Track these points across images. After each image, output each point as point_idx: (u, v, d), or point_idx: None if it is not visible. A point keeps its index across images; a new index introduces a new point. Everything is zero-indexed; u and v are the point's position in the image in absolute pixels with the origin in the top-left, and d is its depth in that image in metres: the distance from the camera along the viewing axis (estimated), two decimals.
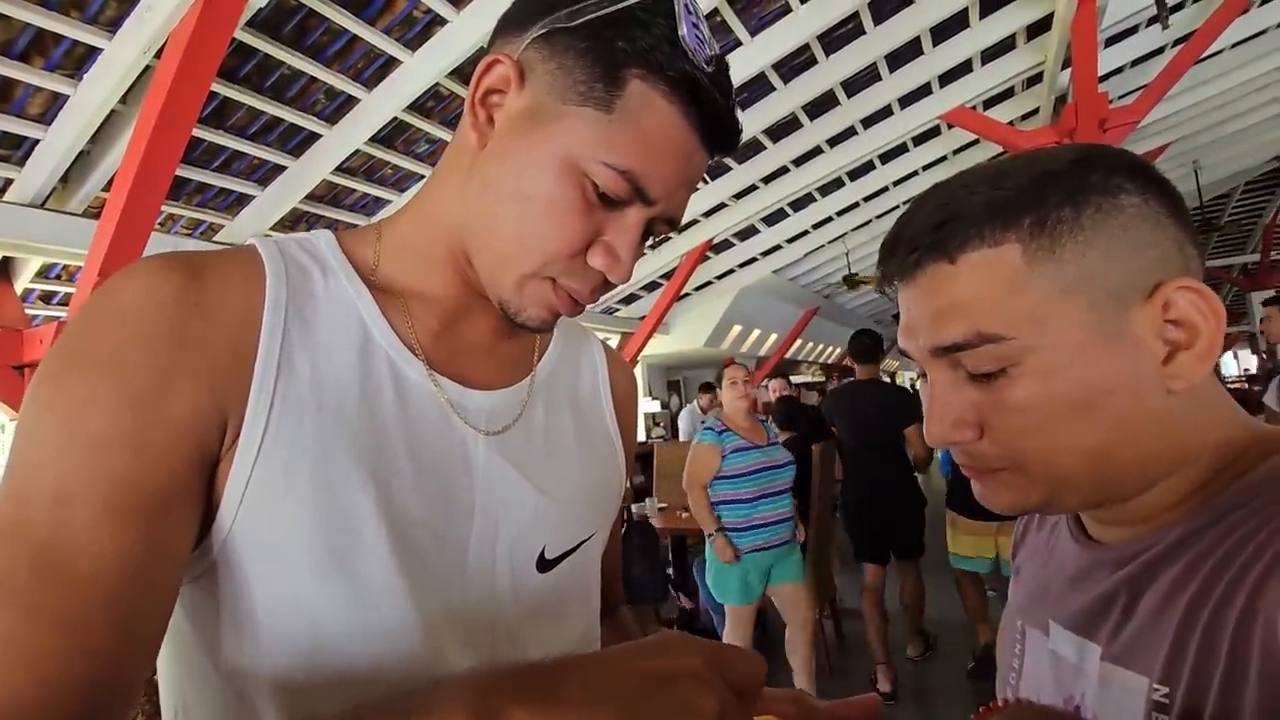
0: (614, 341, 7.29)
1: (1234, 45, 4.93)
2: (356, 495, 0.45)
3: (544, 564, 0.54)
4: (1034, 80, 4.89)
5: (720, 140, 0.50)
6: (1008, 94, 5.11)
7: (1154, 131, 5.84)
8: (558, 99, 0.47)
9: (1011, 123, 5.07)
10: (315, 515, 0.44)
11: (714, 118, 0.48)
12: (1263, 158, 7.94)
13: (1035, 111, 5.17)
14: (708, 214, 5.67)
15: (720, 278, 7.26)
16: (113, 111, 2.54)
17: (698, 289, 7.35)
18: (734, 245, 6.71)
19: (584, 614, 0.59)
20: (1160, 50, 4.87)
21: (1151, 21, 4.42)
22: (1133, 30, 4.62)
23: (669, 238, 5.64)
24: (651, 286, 6.90)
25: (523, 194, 0.47)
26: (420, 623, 0.46)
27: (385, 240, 0.55)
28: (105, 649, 0.37)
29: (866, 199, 6.33)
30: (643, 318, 6.94)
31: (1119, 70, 4.94)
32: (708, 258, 6.59)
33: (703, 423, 3.11)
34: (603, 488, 0.61)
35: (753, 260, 7.04)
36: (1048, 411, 0.43)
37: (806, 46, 3.82)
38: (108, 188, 2.54)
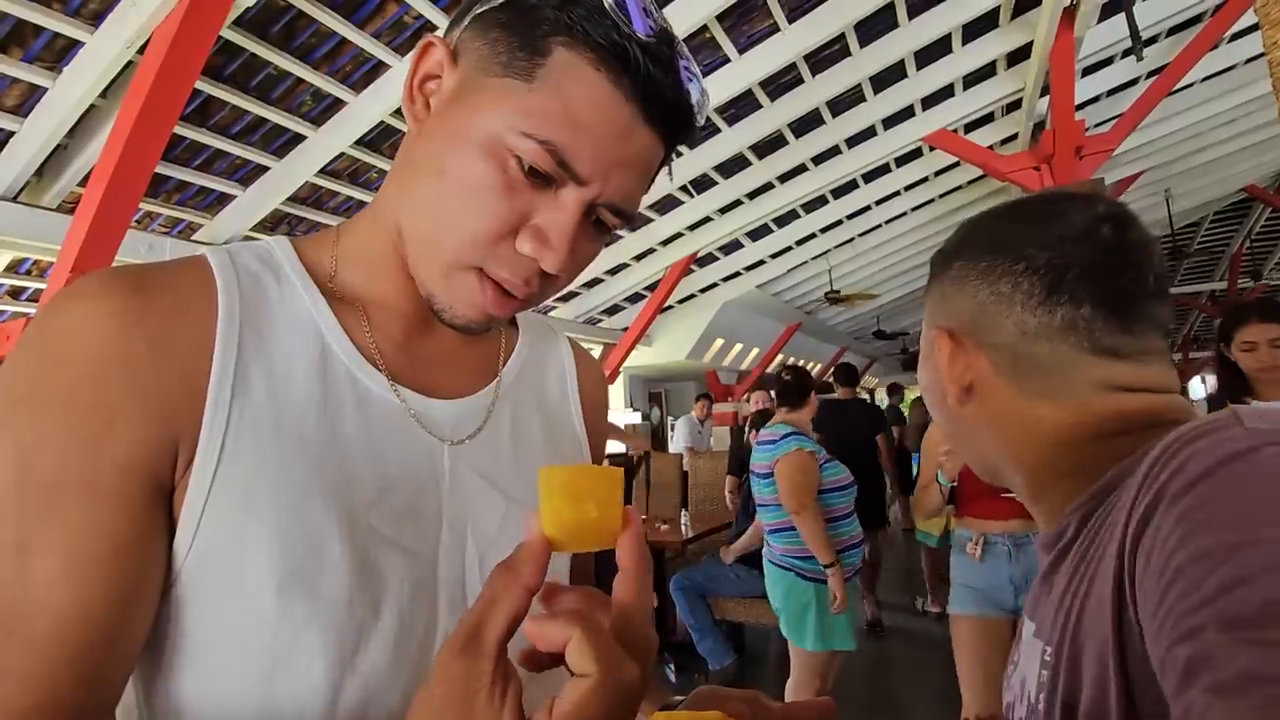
0: (596, 352, 7.28)
1: (1205, 79, 5.10)
2: (319, 514, 0.43)
3: None
4: (1013, 106, 5.01)
5: (665, 117, 0.45)
6: (988, 119, 5.22)
7: (1128, 160, 6.01)
8: (481, 73, 0.45)
9: (991, 147, 5.18)
10: (276, 536, 0.42)
11: (654, 92, 0.44)
12: (1231, 188, 8.18)
13: (1014, 137, 5.29)
14: (693, 227, 5.71)
15: (704, 291, 7.29)
16: (92, 106, 2.50)
17: (681, 302, 7.38)
18: (718, 259, 6.75)
19: None
20: (1135, 81, 5.02)
21: (1126, 53, 4.55)
22: (1109, 61, 4.75)
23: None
24: (635, 298, 6.91)
25: (440, 171, 0.45)
26: (390, 646, 0.45)
27: (343, 245, 0.53)
28: (72, 702, 0.37)
29: (849, 217, 6.41)
30: (626, 329, 6.95)
31: (1095, 99, 5.08)
32: (692, 271, 6.62)
33: (789, 432, 2.61)
34: None
35: (736, 274, 7.09)
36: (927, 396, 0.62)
37: (793, 66, 3.87)
38: (84, 183, 2.49)
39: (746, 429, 4.77)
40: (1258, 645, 0.28)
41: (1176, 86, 4.53)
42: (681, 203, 5.25)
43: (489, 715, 0.31)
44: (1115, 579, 0.39)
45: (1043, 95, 4.49)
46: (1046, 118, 4.66)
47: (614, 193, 0.46)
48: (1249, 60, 4.93)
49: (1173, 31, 4.44)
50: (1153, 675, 0.35)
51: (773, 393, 2.90)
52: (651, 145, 0.47)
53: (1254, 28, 4.55)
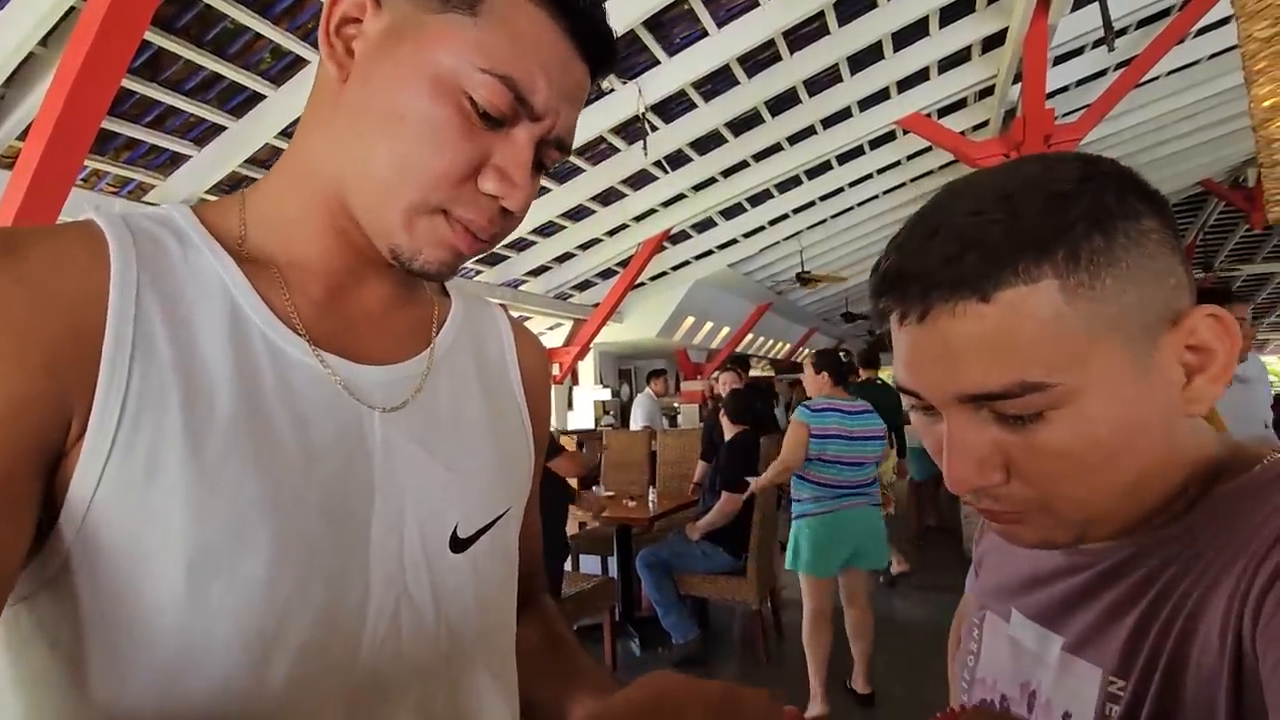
0: (566, 328, 7.23)
1: (1170, 73, 5.20)
2: (236, 485, 0.41)
3: (458, 543, 0.51)
4: (986, 93, 5.05)
5: (595, 51, 0.47)
6: (961, 104, 5.25)
7: (1094, 150, 6.11)
8: (419, 9, 0.44)
9: (963, 132, 5.22)
10: (187, 509, 0.39)
11: (586, 25, 0.46)
12: (1189, 181, 8.42)
13: (986, 123, 5.34)
14: (666, 204, 5.66)
15: (676, 268, 7.27)
16: (31, 54, 2.34)
17: (653, 279, 7.35)
18: (691, 237, 6.73)
19: (505, 596, 0.57)
20: (1104, 72, 5.09)
21: (1098, 44, 4.61)
22: (1079, 51, 4.80)
23: (592, 210, 5.60)
24: (607, 274, 6.85)
25: (395, 115, 0.43)
26: (321, 619, 0.43)
27: (251, 208, 0.50)
28: None
29: (823, 198, 6.43)
30: (597, 305, 6.90)
31: (1065, 89, 5.14)
32: (664, 248, 6.59)
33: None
34: (513, 463, 0.58)
35: (709, 253, 7.08)
36: (1087, 454, 0.41)
37: (772, 42, 3.83)
38: (23, 137, 2.34)
39: (718, 409, 4.81)
40: None
41: (1143, 79, 4.62)
42: (655, 178, 5.19)
43: None
44: (1228, 626, 0.37)
45: (1015, 83, 4.54)
46: (1018, 105, 4.71)
47: (563, 127, 0.47)
48: (1213, 55, 5.04)
49: (1142, 24, 4.50)
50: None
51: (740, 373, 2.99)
52: (585, 78, 0.48)
53: (1220, 23, 4.64)
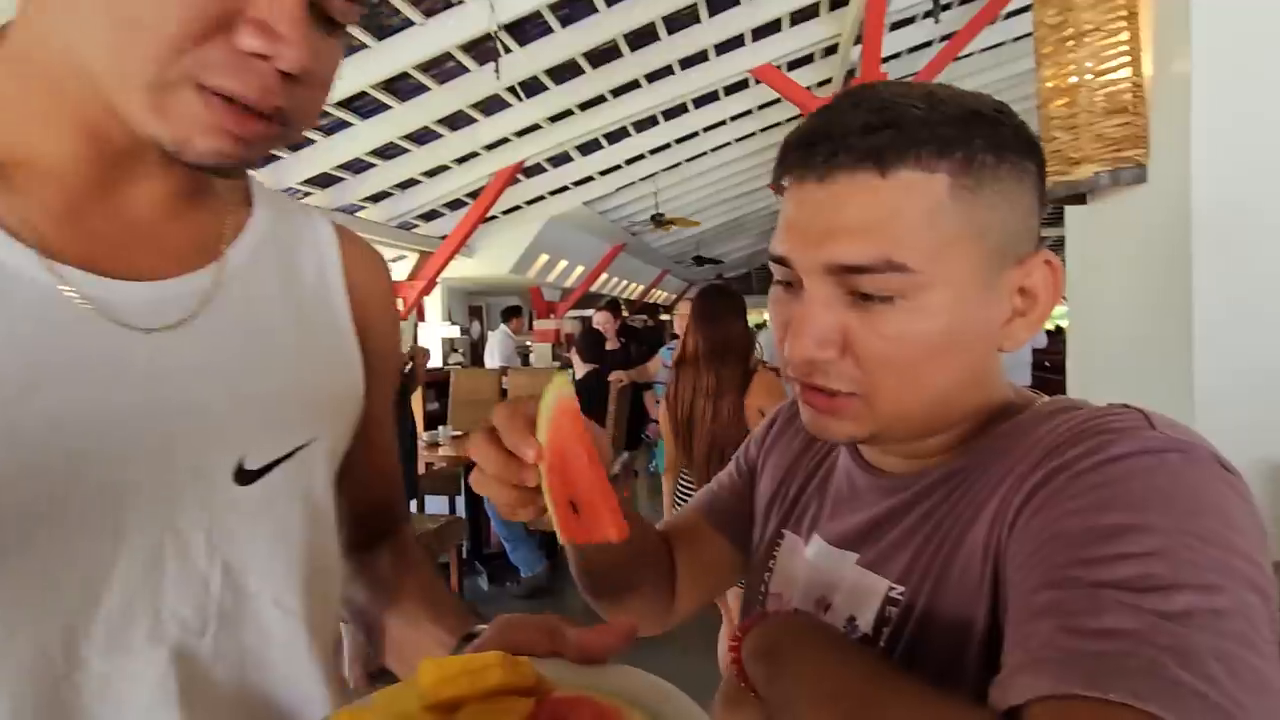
0: (411, 260, 6.79)
1: (982, 50, 5.76)
2: None
3: (244, 475, 0.47)
4: (831, 50, 5.30)
5: None
6: (808, 60, 5.48)
7: None
8: None
9: (809, 88, 5.46)
10: None
11: None
12: None
13: (829, 81, 5.63)
14: (520, 134, 5.41)
15: (530, 203, 7.04)
16: None
17: (505, 213, 7.07)
18: (546, 171, 6.52)
19: (309, 532, 0.52)
20: (929, 44, 5.54)
21: (927, 14, 4.98)
22: (911, 20, 5.17)
23: (440, 135, 5.29)
24: (456, 204, 6.48)
25: None
26: (45, 575, 0.39)
27: None
28: None
29: (678, 141, 6.49)
30: (444, 237, 6.53)
31: (898, 55, 5.53)
32: (518, 180, 6.34)
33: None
34: (327, 388, 0.53)
35: (564, 189, 6.92)
36: (916, 346, 0.44)
37: None
38: None
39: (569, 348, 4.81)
40: (1128, 607, 0.32)
41: (962, 53, 5.08)
42: (509, 105, 4.92)
43: None
44: (993, 535, 0.42)
45: (856, 44, 4.80)
46: (857, 67, 5.01)
47: None
48: (1017, 39, 5.65)
49: (964, 0, 4.91)
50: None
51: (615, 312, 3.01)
52: None
53: (1027, 8, 5.20)
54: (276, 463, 0.49)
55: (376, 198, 5.82)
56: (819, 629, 0.46)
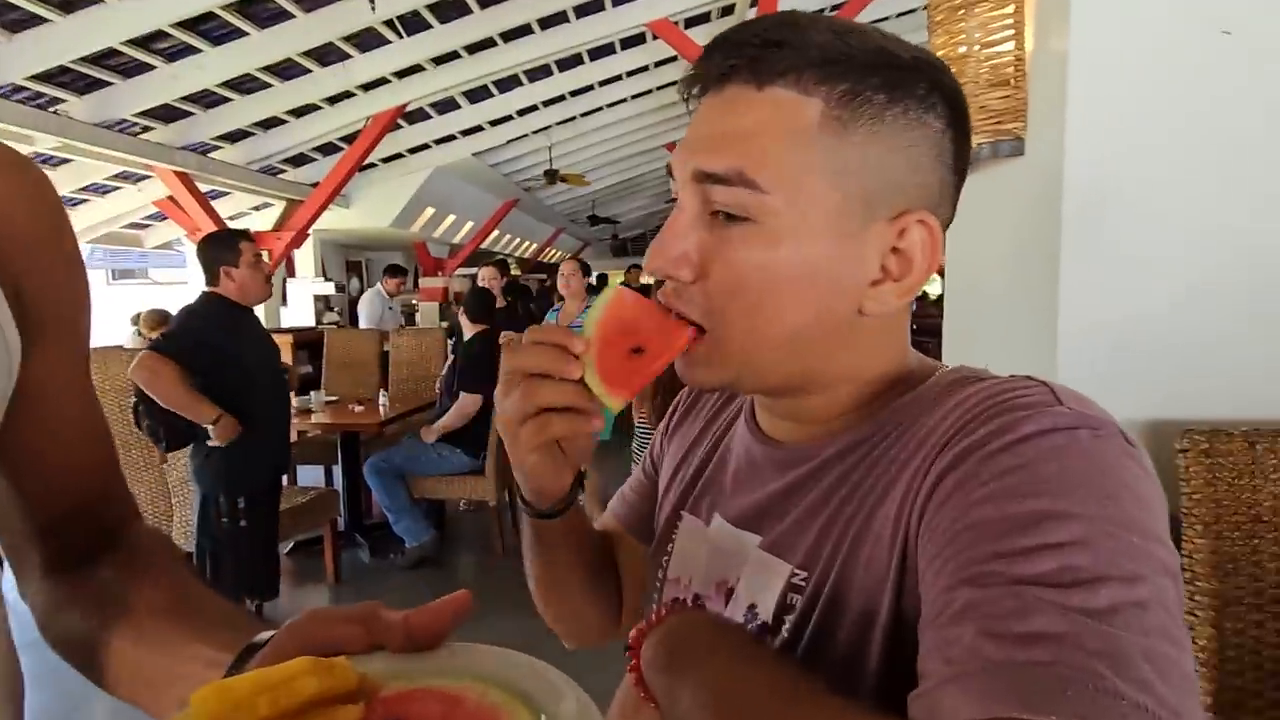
0: (279, 209, 6.17)
1: (874, 21, 5.92)
2: None
3: None
4: (727, 10, 5.26)
5: None
6: (705, 18, 5.41)
7: None
8: None
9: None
10: None
11: None
12: None
13: None
14: (401, 75, 4.99)
15: (413, 151, 6.58)
16: None
17: (386, 161, 6.58)
18: (431, 117, 6.10)
19: None
20: (823, 11, 5.63)
21: None
22: None
23: (307, 69, 4.84)
24: (329, 149, 5.94)
25: None
26: None
27: None
28: None
29: (573, 93, 6.26)
30: (316, 184, 5.98)
31: None
32: (399, 127, 5.88)
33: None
34: None
35: (451, 138, 6.52)
36: (761, 276, 0.42)
37: None
38: None
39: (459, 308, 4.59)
40: (1053, 606, 0.30)
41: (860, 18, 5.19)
42: (388, 42, 4.51)
43: None
44: (900, 520, 0.39)
45: (752, 5, 4.79)
46: None
47: None
48: (901, 14, 5.85)
49: None
50: (920, 613, 0.36)
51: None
52: None
53: None
54: None
55: (233, 137, 5.20)
56: (721, 632, 0.42)
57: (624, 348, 0.44)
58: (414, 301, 8.43)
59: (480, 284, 4.62)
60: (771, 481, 0.50)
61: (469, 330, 3.39)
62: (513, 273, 10.19)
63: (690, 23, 5.35)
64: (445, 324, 6.34)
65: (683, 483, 0.60)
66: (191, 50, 3.95)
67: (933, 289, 5.62)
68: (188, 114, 4.69)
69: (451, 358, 3.87)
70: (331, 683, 0.29)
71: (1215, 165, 1.09)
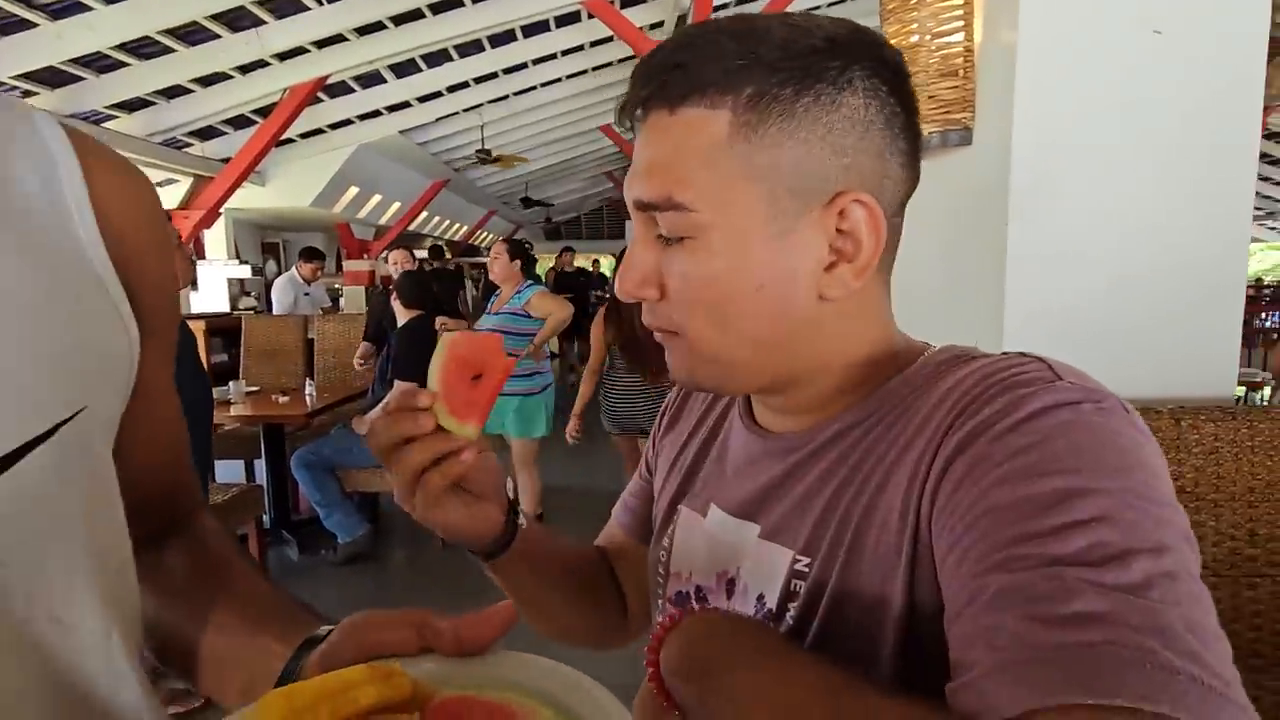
0: (185, 185, 5.72)
1: (811, 10, 6.02)
2: None
3: None
4: None
5: None
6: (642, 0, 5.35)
7: None
8: None
9: (641, 29, 5.36)
10: None
11: None
12: None
13: (661, 25, 5.56)
14: (320, 45, 4.70)
15: (335, 127, 6.24)
16: None
17: (305, 136, 6.20)
18: (354, 91, 5.79)
19: (89, 524, 0.43)
20: None
21: None
22: None
23: (214, 34, 4.53)
24: (241, 122, 5.54)
25: None
26: None
27: None
28: None
29: (506, 71, 6.08)
30: (228, 160, 5.58)
31: (726, 5, 5.60)
32: (319, 100, 5.55)
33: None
34: (89, 346, 0.43)
35: (376, 114, 6.21)
36: (710, 288, 0.43)
37: None
38: None
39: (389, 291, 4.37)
40: (1091, 586, 0.30)
41: (787, 7, 5.26)
42: (306, 9, 4.23)
43: None
44: (909, 505, 0.39)
45: None
46: (690, 11, 4.98)
47: None
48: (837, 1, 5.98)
49: None
50: (937, 600, 0.36)
51: (414, 253, 2.94)
52: None
53: None
54: (32, 445, 0.38)
55: (131, 105, 4.76)
56: (748, 632, 0.41)
57: (465, 380, 0.47)
58: (337, 286, 8.03)
59: (392, 267, 4.44)
60: (767, 471, 0.50)
61: (403, 315, 3.25)
62: (446, 256, 9.89)
63: (626, 3, 5.27)
64: (366, 308, 6.04)
65: (679, 477, 0.59)
66: (80, 7, 3.58)
67: None
68: (77, 78, 4.26)
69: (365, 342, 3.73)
70: (388, 692, 0.32)
71: (1144, 162, 1.16)
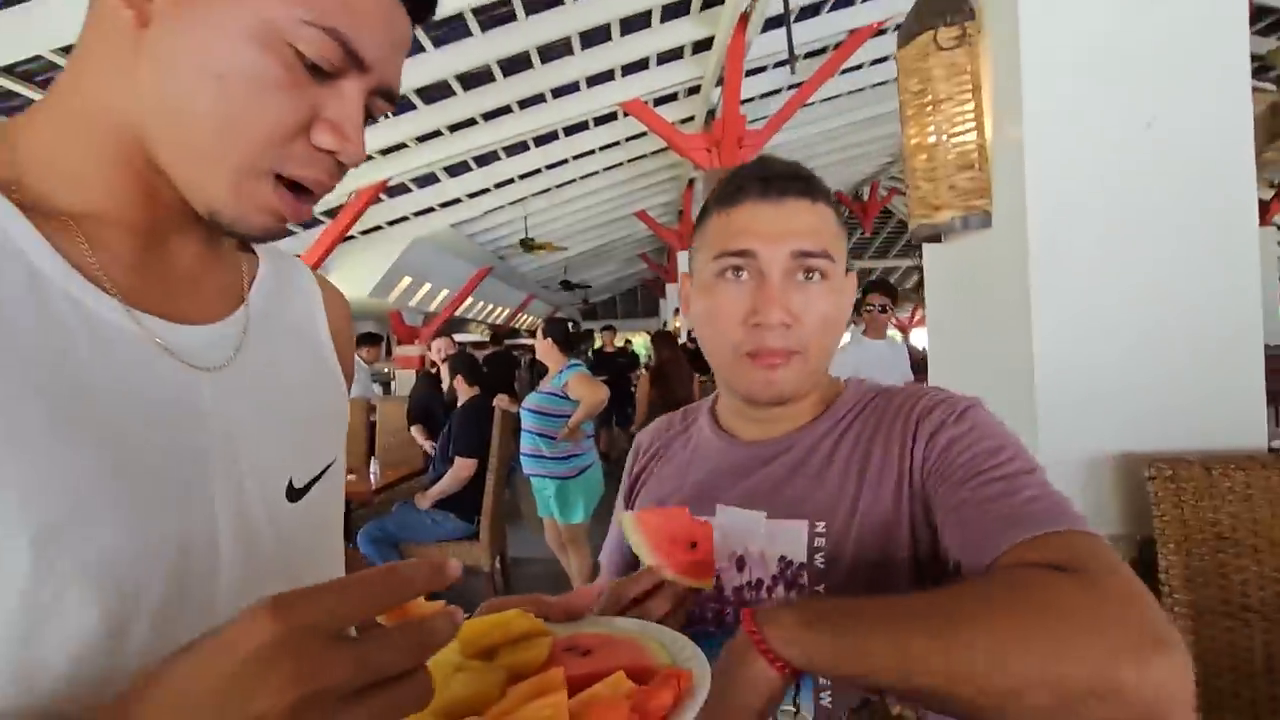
0: None
1: (821, 101, 6.43)
2: (68, 458, 0.39)
3: (294, 493, 0.52)
4: (693, 90, 5.65)
5: (418, 1, 0.49)
6: (673, 98, 5.80)
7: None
8: None
9: (673, 124, 5.78)
10: (19, 484, 0.37)
11: None
12: None
13: (691, 118, 5.98)
14: (385, 152, 5.20)
15: (392, 224, 6.75)
16: None
17: (365, 233, 6.72)
18: (410, 191, 6.30)
19: (335, 543, 0.59)
20: (778, 91, 6.09)
21: (779, 64, 5.48)
22: (763, 69, 5.66)
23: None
24: (311, 223, 6.05)
25: (215, 72, 0.42)
26: (173, 583, 0.43)
27: (22, 149, 0.45)
28: None
29: (549, 167, 6.55)
30: (298, 256, 6.06)
31: (751, 99, 6.01)
32: (380, 200, 6.06)
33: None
34: (332, 416, 0.60)
35: (429, 210, 6.71)
36: (835, 314, 0.66)
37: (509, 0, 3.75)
38: None
39: (431, 374, 4.62)
40: (1029, 481, 0.55)
41: (806, 101, 5.64)
42: (375, 122, 4.72)
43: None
44: (903, 474, 0.62)
45: (716, 86, 5.17)
46: (717, 107, 5.39)
47: (391, 77, 0.48)
48: (851, 92, 6.38)
49: (808, 55, 5.47)
50: (929, 524, 0.59)
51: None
52: (408, 27, 0.48)
53: (856, 68, 5.90)
54: (315, 480, 0.54)
55: None
56: (836, 601, 0.54)
57: (683, 548, 0.58)
58: (386, 370, 8.41)
59: (436, 354, 4.71)
60: (764, 467, 0.68)
61: (465, 394, 3.46)
62: (480, 336, 10.28)
63: (659, 101, 5.72)
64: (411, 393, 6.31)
65: (659, 493, 0.74)
66: None
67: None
68: None
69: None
70: (533, 625, 0.47)
71: (1148, 234, 1.29)
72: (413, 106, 4.69)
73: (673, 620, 0.56)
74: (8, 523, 0.36)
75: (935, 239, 1.58)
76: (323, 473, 0.56)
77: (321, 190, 0.48)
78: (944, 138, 1.43)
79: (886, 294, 3.55)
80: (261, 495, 0.49)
